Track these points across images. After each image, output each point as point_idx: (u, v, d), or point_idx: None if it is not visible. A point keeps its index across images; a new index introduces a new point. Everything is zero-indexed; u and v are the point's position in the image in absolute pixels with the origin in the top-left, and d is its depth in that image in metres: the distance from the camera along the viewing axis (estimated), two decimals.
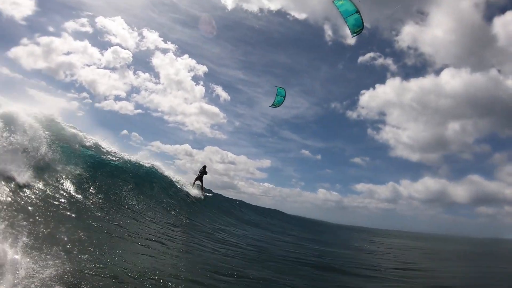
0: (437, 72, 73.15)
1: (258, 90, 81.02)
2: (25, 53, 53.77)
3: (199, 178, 18.73)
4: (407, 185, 68.90)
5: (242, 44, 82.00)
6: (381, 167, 76.14)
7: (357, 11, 10.08)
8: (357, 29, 9.99)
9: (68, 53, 56.75)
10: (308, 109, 78.89)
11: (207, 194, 19.22)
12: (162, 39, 69.34)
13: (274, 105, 15.60)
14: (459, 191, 64.93)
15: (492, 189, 64.54)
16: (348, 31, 9.86)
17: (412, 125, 72.08)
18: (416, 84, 68.51)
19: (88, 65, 59.81)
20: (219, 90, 70.28)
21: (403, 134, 69.22)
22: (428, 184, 67.77)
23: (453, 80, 65.02)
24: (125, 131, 63.23)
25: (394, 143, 72.95)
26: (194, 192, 18.09)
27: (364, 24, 10.07)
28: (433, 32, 68.71)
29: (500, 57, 63.95)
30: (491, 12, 66.73)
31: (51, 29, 59.14)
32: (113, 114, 64.43)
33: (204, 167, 19.08)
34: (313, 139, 79.17)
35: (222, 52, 78.46)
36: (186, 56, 70.22)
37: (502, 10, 70.82)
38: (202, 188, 18.75)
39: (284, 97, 15.63)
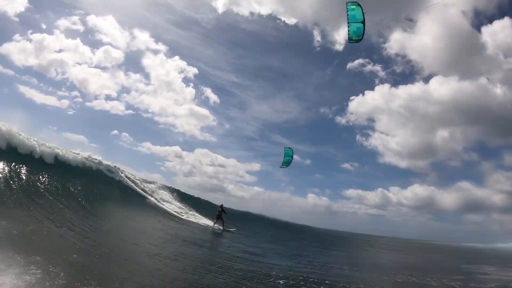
0: (426, 80, 75.04)
1: (250, 94, 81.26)
2: (17, 49, 53.30)
3: (219, 217, 20.19)
4: (396, 191, 69.42)
5: (236, 47, 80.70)
6: (370, 173, 76.32)
7: (363, 22, 10.47)
8: (356, 37, 10.41)
9: (59, 51, 56.05)
10: (300, 114, 79.26)
11: (230, 229, 20.59)
12: (153, 39, 69.57)
13: (284, 165, 16.67)
14: (448, 198, 66.29)
15: (480, 196, 65.80)
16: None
17: (400, 132, 71.88)
18: (404, 91, 68.93)
19: (80, 64, 59.31)
20: (208, 92, 70.41)
21: (392, 141, 69.74)
22: (417, 191, 68.23)
23: (441, 88, 65.72)
24: (115, 131, 63.40)
25: (383, 150, 72.80)
26: (215, 228, 19.74)
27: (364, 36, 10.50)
28: (421, 40, 68.80)
29: (488, 66, 64.08)
30: (479, 20, 67.62)
31: (43, 26, 56.90)
32: (104, 113, 64.01)
33: (221, 206, 20.67)
34: (303, 143, 78.30)
35: (215, 54, 77.64)
36: (177, 57, 70.16)
37: (490, 20, 70.83)
38: (223, 225, 20.14)
39: (292, 156, 16.67)
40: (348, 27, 10.42)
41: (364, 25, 10.49)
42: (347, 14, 10.42)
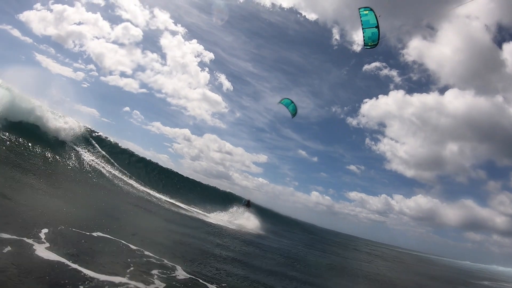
0: (441, 91, 75.95)
1: (265, 85, 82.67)
2: (37, 18, 52.77)
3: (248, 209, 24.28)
4: (399, 199, 70.35)
5: (255, 37, 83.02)
6: (375, 178, 77.71)
7: (377, 26, 10.31)
8: (371, 43, 10.24)
9: (79, 23, 56.98)
10: (312, 110, 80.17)
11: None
12: (173, 20, 69.76)
13: (293, 113, 16.83)
14: (450, 213, 66.18)
15: (483, 216, 66.05)
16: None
17: (410, 141, 72.16)
18: (418, 100, 68.56)
19: (98, 38, 60.25)
20: (222, 78, 71.01)
21: (401, 149, 69.98)
22: (420, 201, 68.76)
23: (456, 101, 65.47)
24: (127, 108, 65.41)
25: (391, 156, 73.15)
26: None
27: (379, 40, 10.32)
28: (441, 50, 68.85)
29: (506, 84, 63.39)
30: (502, 36, 69.60)
31: None
32: (117, 89, 65.12)
33: (249, 201, 24.45)
34: (312, 140, 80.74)
35: (234, 42, 78.25)
36: (195, 40, 71.61)
37: None
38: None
39: (292, 102, 16.62)
40: (363, 33, 10.27)
41: (378, 30, 10.33)
42: (361, 20, 10.29)
